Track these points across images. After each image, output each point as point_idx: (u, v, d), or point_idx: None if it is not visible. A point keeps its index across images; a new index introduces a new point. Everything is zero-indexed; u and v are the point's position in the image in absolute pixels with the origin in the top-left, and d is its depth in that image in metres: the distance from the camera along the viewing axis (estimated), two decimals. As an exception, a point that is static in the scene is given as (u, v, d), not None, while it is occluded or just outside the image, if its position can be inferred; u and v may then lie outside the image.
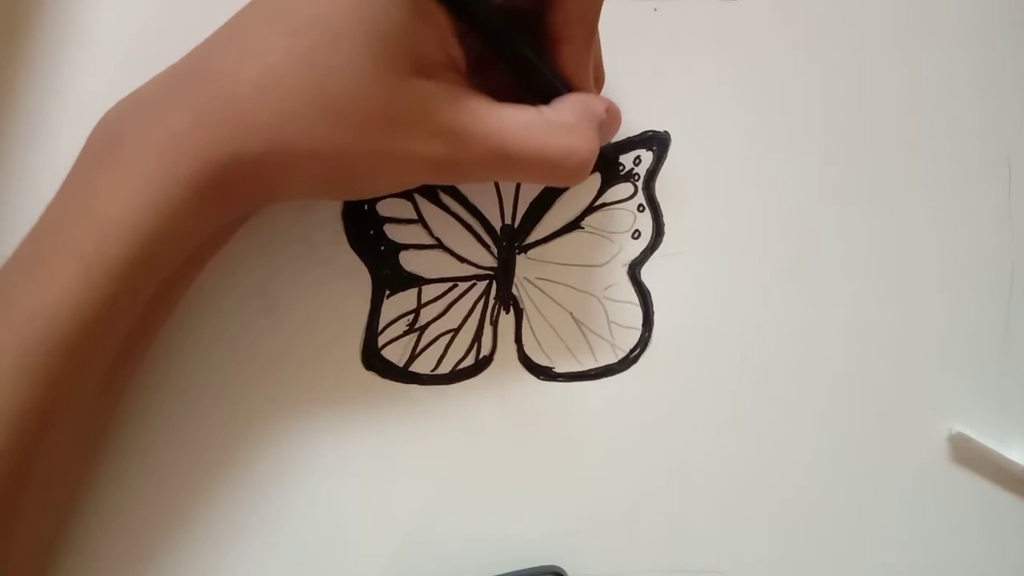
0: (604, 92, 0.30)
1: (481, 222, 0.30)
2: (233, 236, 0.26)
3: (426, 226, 0.29)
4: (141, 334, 0.25)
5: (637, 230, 0.31)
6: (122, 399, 0.26)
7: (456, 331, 0.30)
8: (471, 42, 0.24)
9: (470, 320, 0.30)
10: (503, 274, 0.30)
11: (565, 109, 0.25)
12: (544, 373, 0.30)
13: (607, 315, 0.31)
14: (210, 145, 0.22)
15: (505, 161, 0.24)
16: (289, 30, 0.22)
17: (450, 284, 0.30)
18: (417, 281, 0.29)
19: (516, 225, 0.30)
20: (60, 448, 0.23)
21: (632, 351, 0.31)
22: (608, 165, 0.31)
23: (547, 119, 0.24)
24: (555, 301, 0.30)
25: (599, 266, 0.31)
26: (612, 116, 0.27)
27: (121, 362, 0.24)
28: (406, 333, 0.29)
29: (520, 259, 0.30)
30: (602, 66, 0.28)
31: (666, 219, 0.31)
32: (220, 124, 0.22)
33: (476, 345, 0.30)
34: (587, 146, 0.25)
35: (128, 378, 0.26)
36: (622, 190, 0.31)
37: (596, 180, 0.31)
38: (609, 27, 0.31)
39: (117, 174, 0.22)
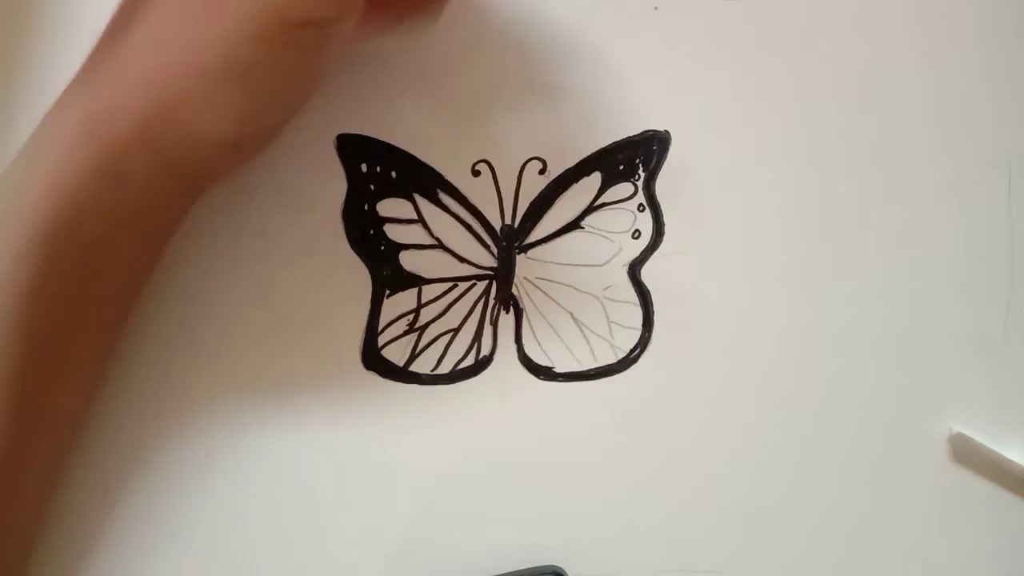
0: (607, 90, 0.30)
1: (481, 222, 0.30)
2: (188, 212, 0.26)
3: (426, 226, 0.29)
4: (107, 323, 0.25)
5: (637, 230, 0.31)
6: (108, 396, 0.27)
7: (456, 331, 0.30)
8: None
9: (470, 320, 0.30)
10: (503, 274, 0.30)
11: None
12: (544, 373, 0.30)
13: (607, 315, 0.31)
14: (97, 118, 0.23)
15: None
16: None
17: (450, 284, 0.30)
18: (417, 281, 0.29)
19: (516, 225, 0.30)
20: (35, 448, 0.24)
21: (632, 351, 0.31)
22: (608, 164, 0.31)
23: None
24: (555, 301, 0.30)
25: (599, 266, 0.31)
26: None
27: (94, 349, 0.25)
28: (406, 333, 0.29)
29: (520, 259, 0.30)
30: None
31: (666, 219, 0.31)
32: (99, 96, 0.23)
33: (476, 345, 0.30)
34: None
35: (98, 364, 0.26)
36: (622, 190, 0.31)
37: (596, 180, 0.31)
38: (609, 27, 0.31)
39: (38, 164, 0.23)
